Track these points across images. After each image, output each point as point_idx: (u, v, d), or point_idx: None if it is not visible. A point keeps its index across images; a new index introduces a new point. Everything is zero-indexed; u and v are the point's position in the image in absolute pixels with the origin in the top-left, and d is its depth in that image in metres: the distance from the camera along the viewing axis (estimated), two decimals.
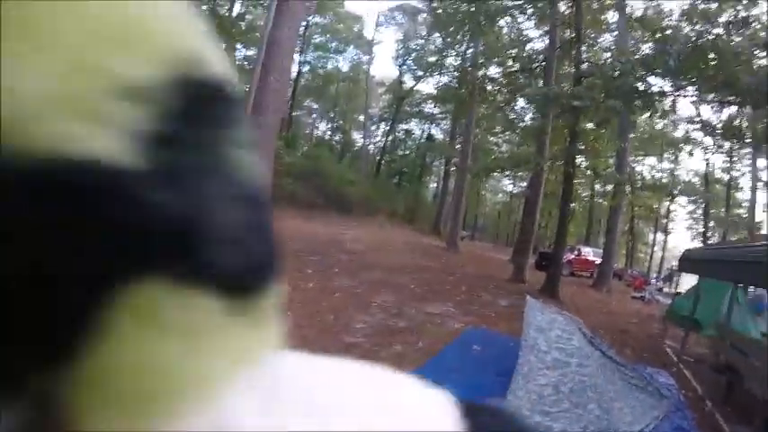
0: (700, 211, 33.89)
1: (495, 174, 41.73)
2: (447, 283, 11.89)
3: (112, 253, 0.20)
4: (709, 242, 29.20)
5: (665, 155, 34.73)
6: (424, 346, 6.54)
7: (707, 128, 15.54)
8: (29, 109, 0.18)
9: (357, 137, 46.50)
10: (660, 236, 39.62)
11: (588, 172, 19.26)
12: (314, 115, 47.21)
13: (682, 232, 38.53)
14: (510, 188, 48.62)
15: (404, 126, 43.36)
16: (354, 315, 7.38)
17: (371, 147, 44.56)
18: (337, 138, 46.56)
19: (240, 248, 0.24)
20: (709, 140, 27.64)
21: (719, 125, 13.87)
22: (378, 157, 42.35)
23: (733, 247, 7.64)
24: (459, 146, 29.28)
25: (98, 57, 0.19)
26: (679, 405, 6.30)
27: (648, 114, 12.99)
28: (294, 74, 37.31)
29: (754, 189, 28.91)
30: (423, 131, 42.75)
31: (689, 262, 9.40)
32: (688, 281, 27.53)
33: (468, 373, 5.92)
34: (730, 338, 6.88)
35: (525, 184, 44.02)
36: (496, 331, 8.34)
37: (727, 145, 26.87)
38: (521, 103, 20.21)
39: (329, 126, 48.05)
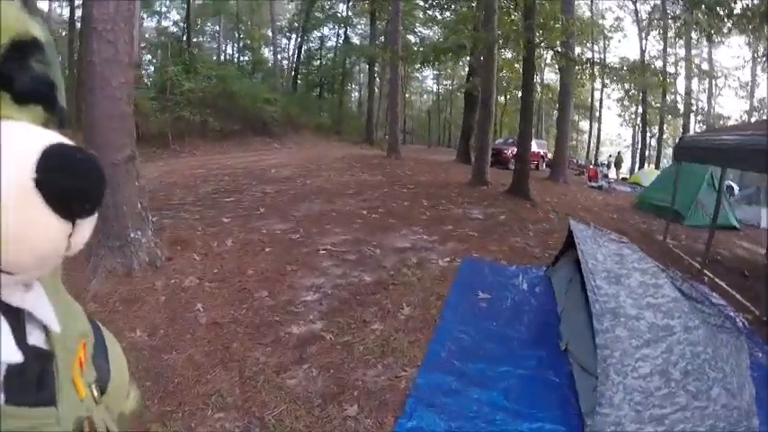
0: (629, 99, 34.08)
1: (419, 74, 40.09)
2: (404, 199, 9.66)
3: None
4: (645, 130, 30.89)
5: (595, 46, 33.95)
6: (411, 314, 4.33)
7: None
8: None
9: (268, 54, 41.97)
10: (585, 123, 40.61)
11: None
12: (218, 38, 42.18)
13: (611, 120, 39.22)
14: (434, 88, 47.27)
15: (317, 34, 39.54)
16: (297, 280, 4.94)
17: (285, 62, 40.28)
18: (246, 58, 41.98)
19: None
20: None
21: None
22: (293, 72, 38.55)
23: (738, 135, 7.09)
24: (378, 47, 26.72)
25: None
26: (753, 338, 4.83)
27: None
28: None
29: (688, 76, 29.33)
30: (339, 36, 38.88)
31: (686, 150, 8.84)
32: (624, 168, 28.22)
33: (496, 355, 3.81)
34: None
35: (449, 82, 43.56)
36: (490, 260, 6.35)
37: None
38: None
39: (236, 47, 43.07)
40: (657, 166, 31.02)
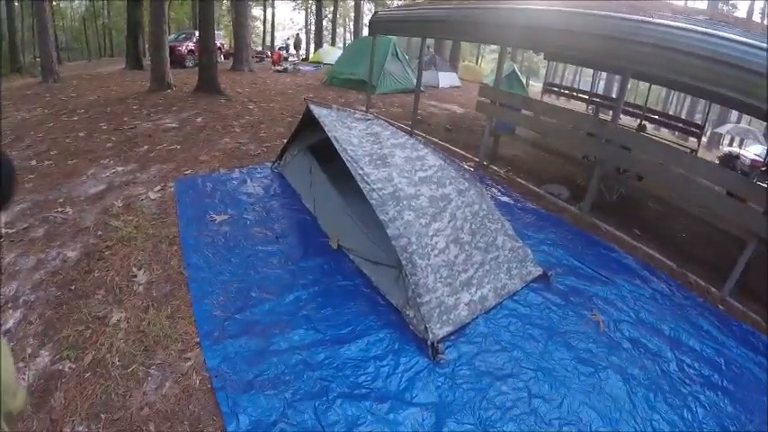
0: None
1: None
2: (79, 130, 7.59)
3: None
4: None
5: None
6: (150, 278, 3.39)
7: None
8: None
9: None
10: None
11: None
12: None
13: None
14: None
15: None
16: None
17: None
18: None
19: None
20: None
21: None
22: None
23: (425, 9, 7.93)
24: None
25: None
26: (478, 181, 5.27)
27: None
28: None
29: None
30: None
31: (381, 23, 8.98)
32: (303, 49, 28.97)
33: (273, 285, 3.30)
34: (500, 99, 6.58)
35: None
36: (206, 172, 5.65)
37: None
38: None
39: None
40: (333, 44, 32.35)
